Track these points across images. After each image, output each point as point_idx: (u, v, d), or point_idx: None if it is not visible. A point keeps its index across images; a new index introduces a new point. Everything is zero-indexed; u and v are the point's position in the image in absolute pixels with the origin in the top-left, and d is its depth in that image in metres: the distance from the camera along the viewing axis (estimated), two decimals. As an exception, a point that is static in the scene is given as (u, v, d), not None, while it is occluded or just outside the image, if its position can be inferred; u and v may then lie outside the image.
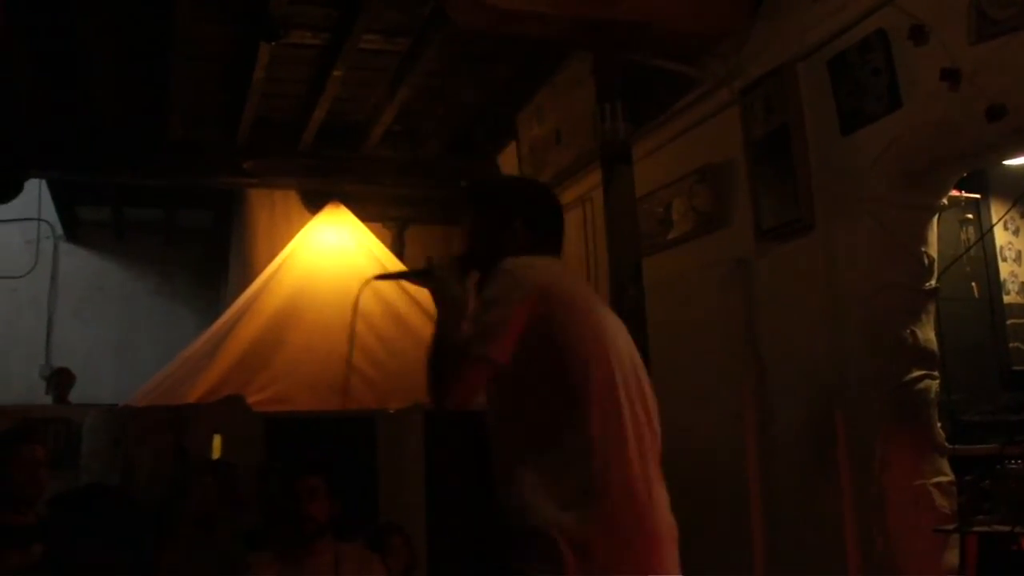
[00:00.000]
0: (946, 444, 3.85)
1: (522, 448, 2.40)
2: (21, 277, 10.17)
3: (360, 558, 4.18)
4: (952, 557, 3.69)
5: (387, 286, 6.17)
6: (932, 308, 3.94)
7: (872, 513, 3.82)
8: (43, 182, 8.98)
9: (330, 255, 6.43)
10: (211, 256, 10.45)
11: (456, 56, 5.95)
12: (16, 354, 10.03)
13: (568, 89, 5.84)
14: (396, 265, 6.57)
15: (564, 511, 2.27)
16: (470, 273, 2.74)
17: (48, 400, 8.78)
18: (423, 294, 6.36)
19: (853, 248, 4.04)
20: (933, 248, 3.92)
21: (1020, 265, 5.05)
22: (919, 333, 3.87)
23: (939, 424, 3.86)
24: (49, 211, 10.03)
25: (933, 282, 3.92)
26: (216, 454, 5.19)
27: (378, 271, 6.30)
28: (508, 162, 6.96)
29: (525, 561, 2.29)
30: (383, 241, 7.08)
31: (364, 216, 6.93)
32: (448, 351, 2.47)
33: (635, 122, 4.90)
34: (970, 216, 4.81)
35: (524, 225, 2.77)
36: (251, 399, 5.40)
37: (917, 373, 3.84)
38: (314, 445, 5.38)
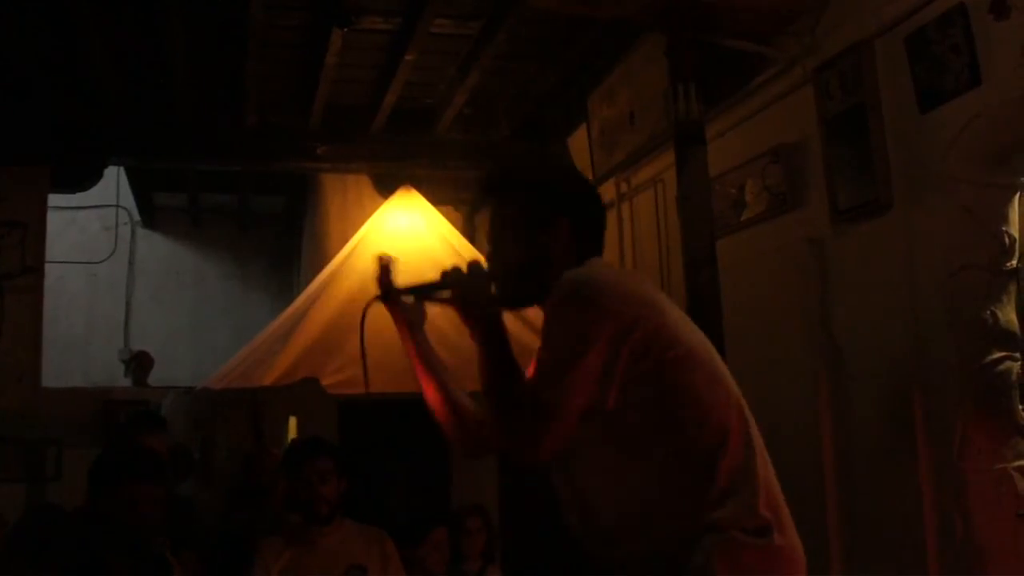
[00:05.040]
0: (1028, 427, 3.78)
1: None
2: (100, 263, 10.38)
3: (369, 536, 4.20)
4: (1035, 542, 3.63)
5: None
6: (1013, 289, 3.85)
7: (952, 497, 3.76)
8: (121, 169, 9.14)
9: (402, 239, 6.46)
10: (284, 240, 10.59)
11: (527, 39, 5.94)
12: (96, 338, 10.25)
13: (640, 70, 5.80)
14: (467, 248, 6.58)
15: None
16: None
17: (127, 383, 8.96)
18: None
19: (931, 228, 3.97)
20: (1015, 227, 3.83)
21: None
22: (999, 314, 3.80)
23: (1021, 407, 3.78)
24: (127, 198, 10.23)
25: (1014, 262, 3.83)
26: (291, 436, 5.27)
27: (450, 254, 6.32)
28: (578, 144, 6.94)
29: None
30: (454, 224, 7.10)
31: (435, 199, 6.96)
32: (521, 400, 2.03)
33: (708, 102, 4.86)
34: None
35: (571, 227, 2.26)
36: (325, 382, 5.46)
37: (998, 355, 3.76)
38: (387, 427, 5.44)
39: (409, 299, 2.43)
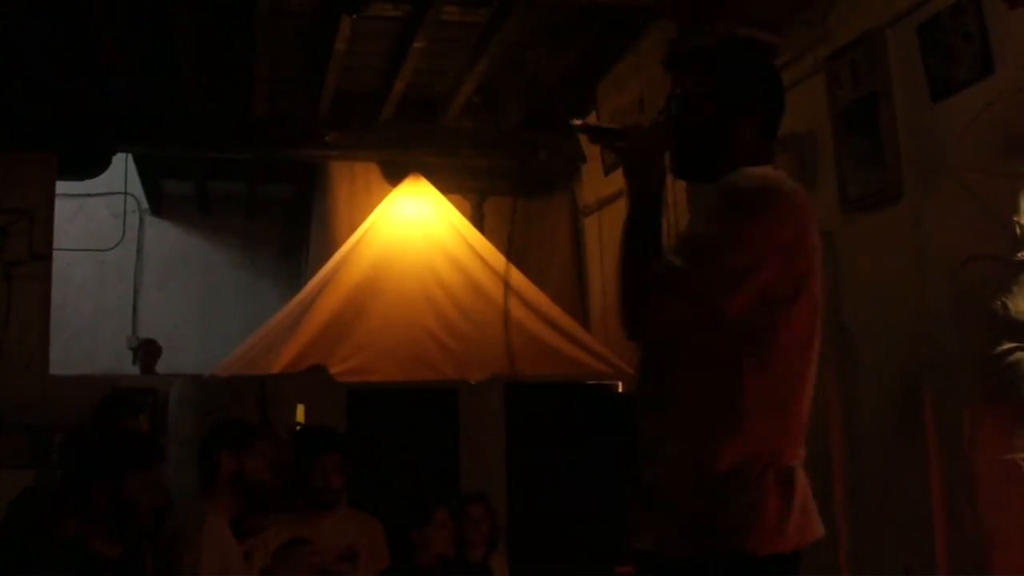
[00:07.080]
0: (1039, 418, 3.76)
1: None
2: (109, 250, 10.36)
3: (363, 522, 4.52)
4: (1045, 533, 3.61)
5: (466, 256, 6.19)
6: (1024, 279, 3.85)
7: (960, 488, 3.75)
8: (129, 157, 9.13)
9: (410, 227, 6.46)
10: (293, 229, 10.56)
11: (536, 26, 5.92)
12: (104, 325, 10.23)
13: (650, 58, 5.78)
14: (476, 236, 6.58)
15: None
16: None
17: (135, 370, 8.97)
18: (503, 264, 6.32)
19: (942, 218, 3.95)
20: (1027, 217, 3.82)
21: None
22: (1010, 305, 3.77)
23: (1031, 398, 3.77)
24: (135, 185, 10.19)
25: (1026, 252, 3.82)
26: (299, 424, 5.28)
27: (458, 243, 6.33)
28: (588, 133, 6.92)
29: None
30: (463, 212, 7.09)
31: (444, 188, 6.95)
32: (647, 272, 2.08)
33: (719, 91, 4.82)
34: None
35: (761, 124, 2.29)
36: (333, 370, 5.47)
37: (1008, 346, 3.74)
38: (396, 415, 5.45)
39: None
